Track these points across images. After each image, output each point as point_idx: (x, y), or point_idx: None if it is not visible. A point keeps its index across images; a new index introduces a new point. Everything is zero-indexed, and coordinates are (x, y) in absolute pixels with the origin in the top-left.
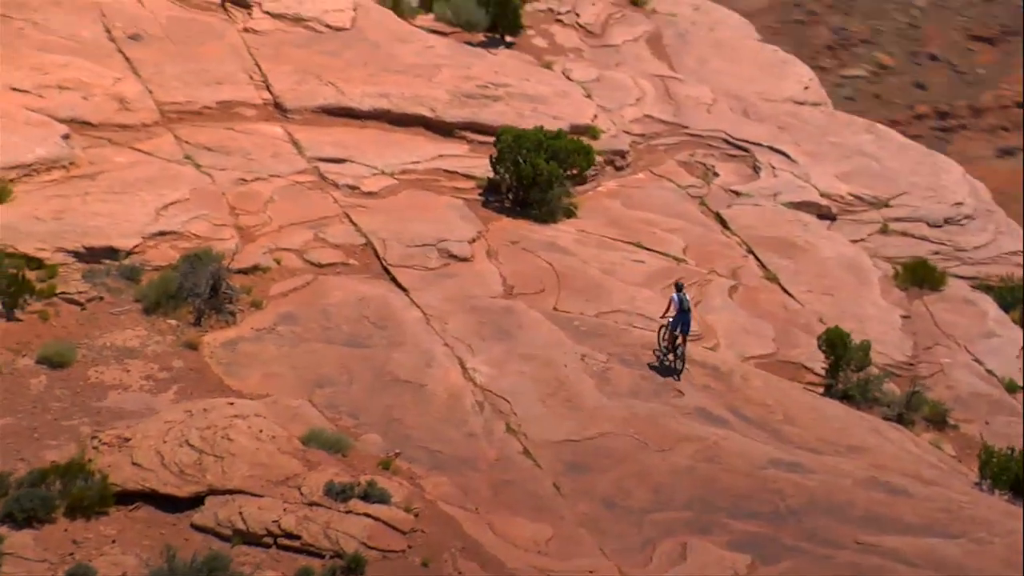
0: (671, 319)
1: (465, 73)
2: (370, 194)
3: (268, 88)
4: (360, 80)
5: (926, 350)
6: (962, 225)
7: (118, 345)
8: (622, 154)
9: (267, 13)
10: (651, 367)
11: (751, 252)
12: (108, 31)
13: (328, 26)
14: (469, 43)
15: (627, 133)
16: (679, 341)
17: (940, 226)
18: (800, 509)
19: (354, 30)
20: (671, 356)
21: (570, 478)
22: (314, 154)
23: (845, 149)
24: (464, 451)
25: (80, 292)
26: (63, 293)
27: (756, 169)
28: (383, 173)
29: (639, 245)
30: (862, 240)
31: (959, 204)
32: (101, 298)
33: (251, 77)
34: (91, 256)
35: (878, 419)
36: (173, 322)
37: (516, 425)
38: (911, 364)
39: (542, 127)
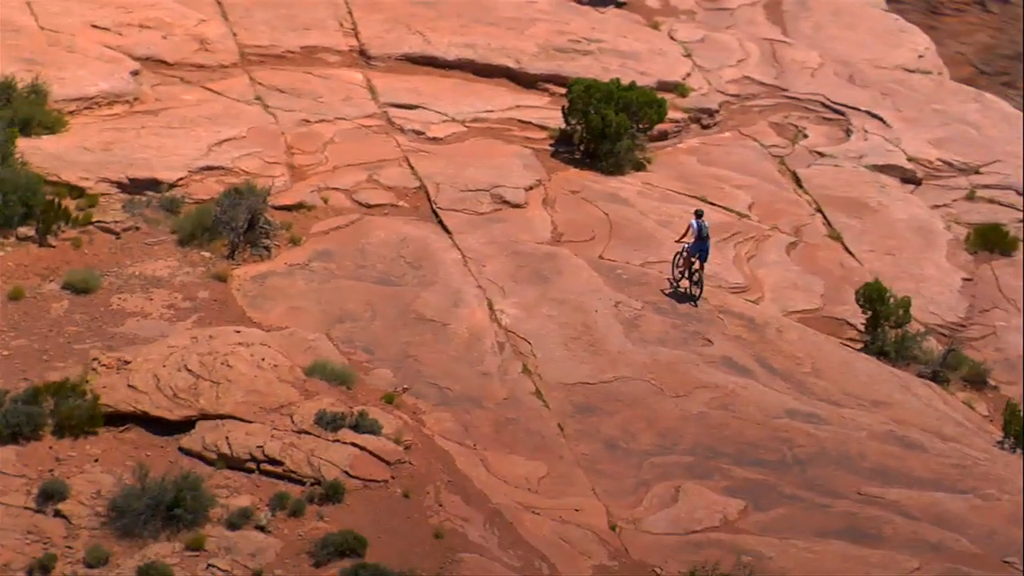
0: (688, 245)
1: (560, 28)
2: (435, 139)
3: (356, 35)
4: (449, 30)
5: (983, 312)
6: None
7: (146, 274)
8: (710, 112)
9: None
10: (666, 294)
11: (820, 211)
12: None
13: None
14: (579, 2)
15: (721, 93)
16: (696, 267)
17: None
18: (807, 459)
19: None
20: (685, 282)
21: (576, 419)
22: (387, 100)
23: (946, 116)
24: (474, 389)
25: (116, 222)
26: (99, 222)
27: (848, 132)
28: (453, 120)
29: (703, 199)
30: (945, 205)
31: None
32: (137, 228)
33: (341, 24)
34: (134, 187)
35: (911, 376)
36: (207, 254)
37: (533, 366)
38: (963, 325)
39: (617, 80)
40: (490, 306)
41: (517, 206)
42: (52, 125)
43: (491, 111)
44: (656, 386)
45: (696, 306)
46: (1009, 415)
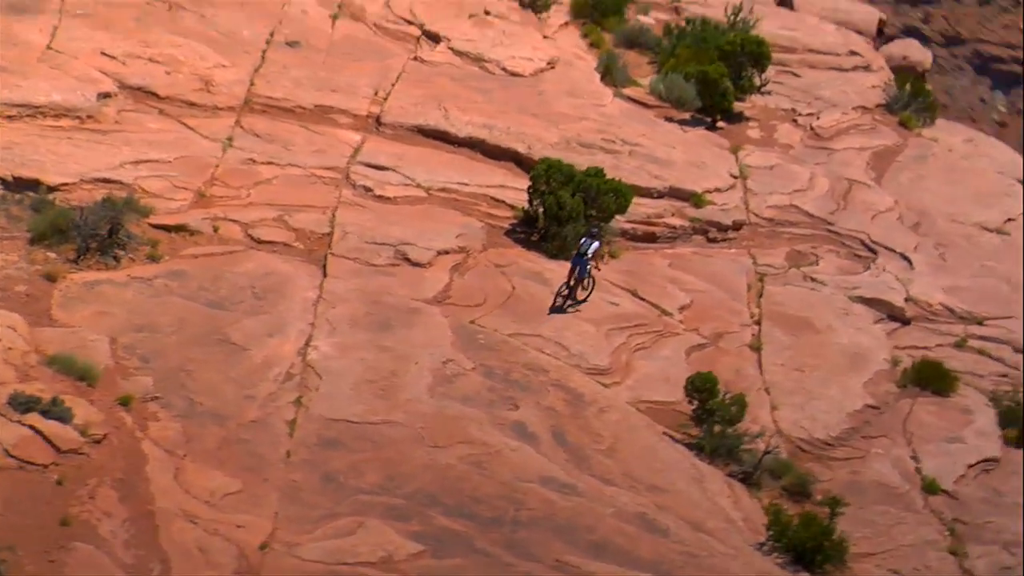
0: (581, 258)
1: (604, 128)
2: (381, 197)
3: (382, 104)
4: (478, 111)
5: (865, 438)
6: None
7: None
8: (720, 226)
9: (451, 49)
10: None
11: (758, 323)
12: (271, 35)
13: (505, 70)
14: (669, 118)
15: (754, 214)
16: (588, 279)
17: None
18: (528, 522)
19: (531, 78)
20: (569, 288)
21: (312, 451)
22: (362, 159)
23: (986, 272)
24: (226, 408)
25: None
26: None
27: (867, 268)
28: (418, 186)
29: (634, 292)
30: (925, 348)
31: None
32: None
33: (375, 93)
34: (17, 186)
35: (717, 471)
36: (52, 255)
37: (308, 399)
38: (830, 444)
39: (600, 169)
40: (308, 342)
41: (417, 265)
42: None
43: (466, 184)
44: (419, 435)
45: (576, 310)
46: (773, 516)
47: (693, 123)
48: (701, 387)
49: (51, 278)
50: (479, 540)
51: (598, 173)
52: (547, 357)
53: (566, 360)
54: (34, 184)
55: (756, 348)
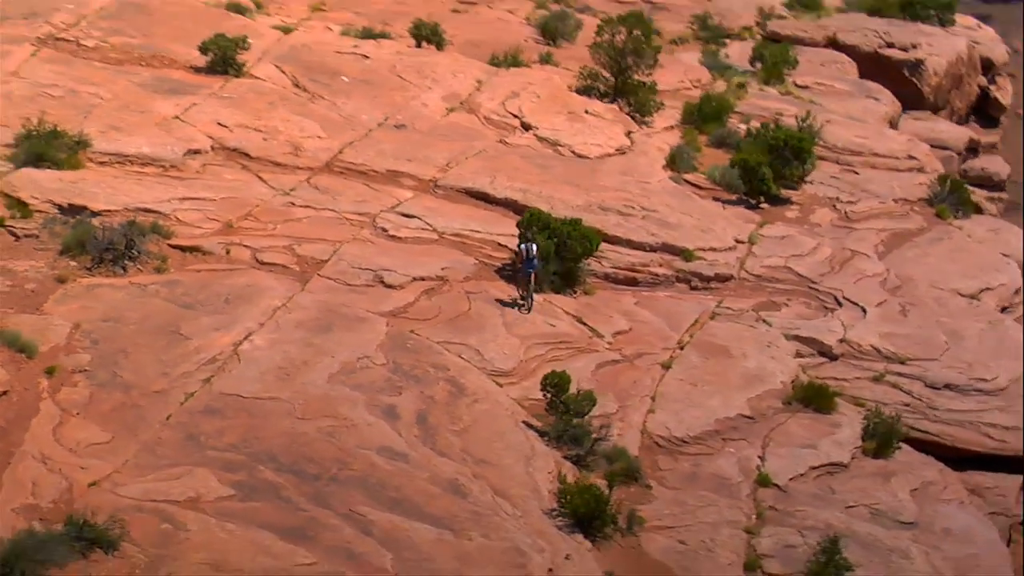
0: (521, 266)
1: (631, 197)
2: (394, 237)
3: (446, 171)
4: (525, 180)
5: (727, 440)
6: (964, 393)
7: (6, 266)
8: (701, 277)
9: (536, 135)
10: (504, 303)
11: (681, 348)
12: (384, 119)
13: (574, 152)
14: (716, 199)
15: (745, 271)
16: (529, 284)
17: (938, 388)
18: (345, 480)
19: (594, 160)
20: (521, 295)
21: (191, 416)
22: (399, 210)
23: (934, 326)
24: (141, 381)
25: (23, 228)
26: (8, 225)
27: (824, 316)
28: (433, 230)
29: (579, 319)
30: (845, 379)
31: (988, 379)
32: (36, 236)
33: (447, 164)
34: (69, 211)
35: (553, 452)
36: (73, 263)
37: (215, 379)
38: (684, 442)
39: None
40: (247, 337)
41: (390, 287)
42: (60, 163)
43: (478, 231)
44: (293, 409)
45: (528, 312)
46: (570, 494)
47: (737, 203)
48: (554, 383)
49: (61, 280)
50: (289, 491)
51: (572, 223)
52: (457, 359)
53: (475, 363)
54: (82, 210)
55: (666, 366)
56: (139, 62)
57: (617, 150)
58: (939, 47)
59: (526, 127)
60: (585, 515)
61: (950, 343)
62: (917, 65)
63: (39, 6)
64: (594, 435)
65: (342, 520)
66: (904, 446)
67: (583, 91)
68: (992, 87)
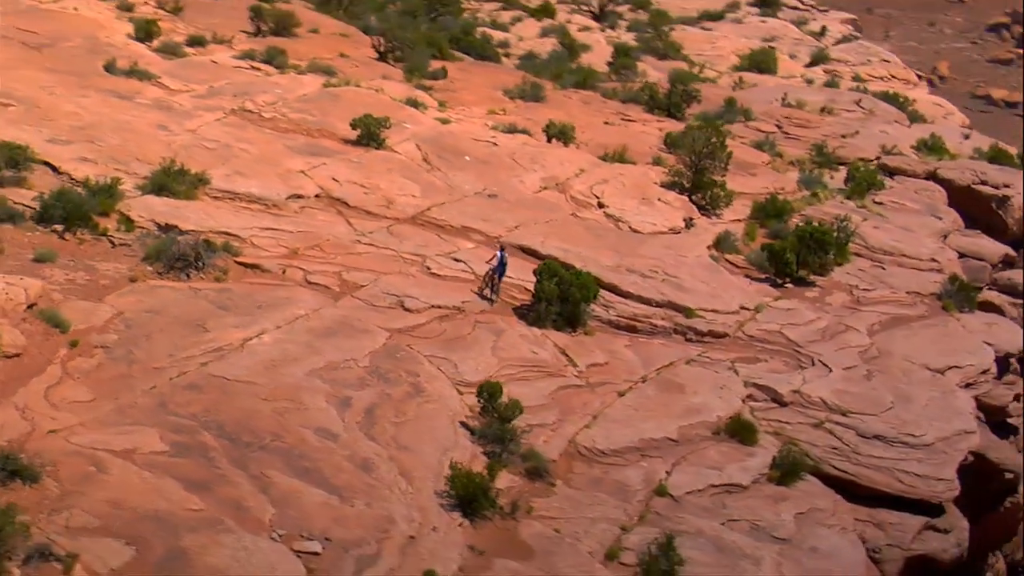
0: (493, 267)
1: (659, 264)
2: (434, 275)
3: (510, 230)
4: (573, 243)
5: (643, 456)
6: (890, 444)
7: (92, 266)
8: (696, 331)
9: (604, 212)
10: (476, 292)
11: (643, 381)
12: (483, 189)
13: (630, 228)
14: (748, 276)
15: (742, 332)
16: (496, 281)
17: (867, 438)
18: (272, 449)
19: (646, 235)
20: (487, 291)
21: (172, 388)
22: (452, 254)
23: (891, 388)
24: (146, 358)
25: (120, 239)
26: (108, 234)
27: (792, 371)
28: (472, 272)
29: (563, 351)
30: (788, 423)
31: (916, 435)
32: (129, 245)
33: (516, 226)
34: (164, 229)
35: (476, 449)
36: (149, 268)
37: (211, 364)
38: (604, 453)
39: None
40: (260, 334)
41: (408, 310)
42: (177, 194)
43: (511, 277)
44: (261, 392)
45: (492, 305)
46: (458, 480)
47: (764, 281)
48: (488, 391)
49: (133, 279)
50: (216, 452)
51: (576, 273)
52: (433, 369)
53: (447, 373)
54: (174, 228)
55: (621, 394)
56: (302, 132)
57: (670, 229)
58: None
59: (600, 206)
60: (465, 497)
61: (896, 404)
62: (1004, 200)
63: (252, 88)
64: (510, 437)
65: (248, 480)
66: (812, 479)
67: (668, 185)
68: None
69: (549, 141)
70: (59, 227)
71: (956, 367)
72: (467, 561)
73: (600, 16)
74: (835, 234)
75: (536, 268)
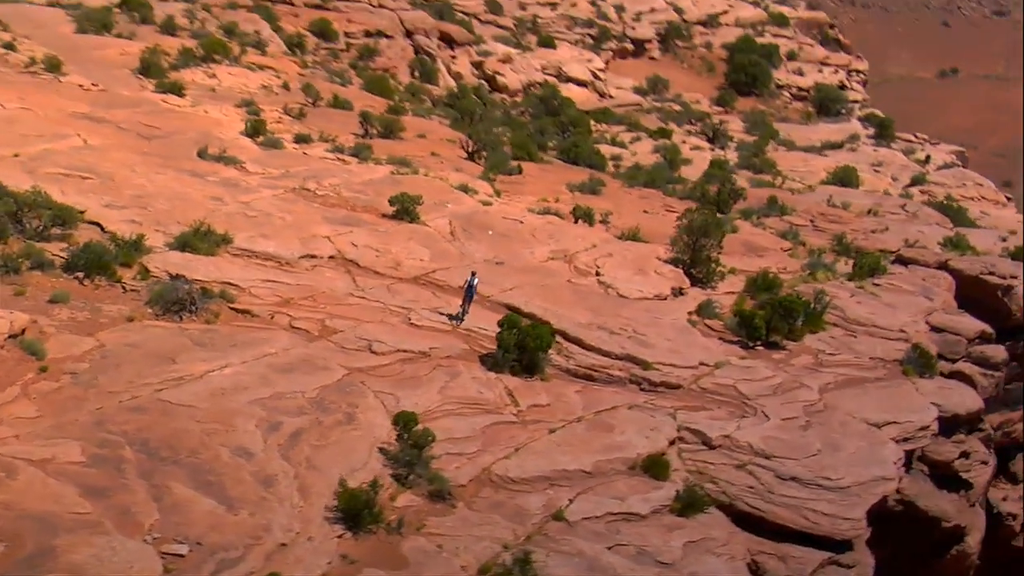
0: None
1: (631, 323)
2: (413, 325)
3: (503, 291)
4: (556, 303)
5: (553, 485)
6: (805, 485)
7: (97, 307)
8: (651, 382)
9: (598, 280)
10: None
11: (577, 421)
12: (493, 257)
13: (618, 293)
14: (721, 338)
15: (696, 384)
16: (465, 304)
17: (784, 479)
18: (184, 463)
19: (631, 300)
20: (460, 311)
21: (117, 410)
22: (437, 308)
23: (821, 438)
24: (107, 385)
25: (131, 285)
26: (121, 281)
27: (733, 419)
28: (452, 326)
29: (510, 392)
30: (714, 463)
31: (832, 479)
32: (138, 291)
33: (511, 288)
34: (175, 279)
35: (385, 471)
36: (149, 311)
37: (166, 390)
38: (514, 481)
39: (548, 326)
40: (222, 368)
41: (375, 352)
42: (199, 251)
43: (485, 329)
44: (198, 415)
45: (461, 322)
46: (343, 495)
47: (736, 343)
48: (402, 420)
49: (130, 319)
50: (129, 465)
51: (534, 326)
52: (375, 402)
53: (388, 407)
54: (182, 278)
55: (551, 431)
56: (347, 207)
57: (656, 296)
58: None
59: (597, 274)
60: (349, 512)
61: (822, 451)
62: (1009, 289)
63: (324, 173)
64: (419, 462)
65: (147, 489)
66: (716, 512)
67: (671, 261)
68: None
69: (576, 221)
70: (80, 274)
71: (895, 423)
72: (334, 569)
73: (713, 138)
74: (811, 305)
75: (501, 319)
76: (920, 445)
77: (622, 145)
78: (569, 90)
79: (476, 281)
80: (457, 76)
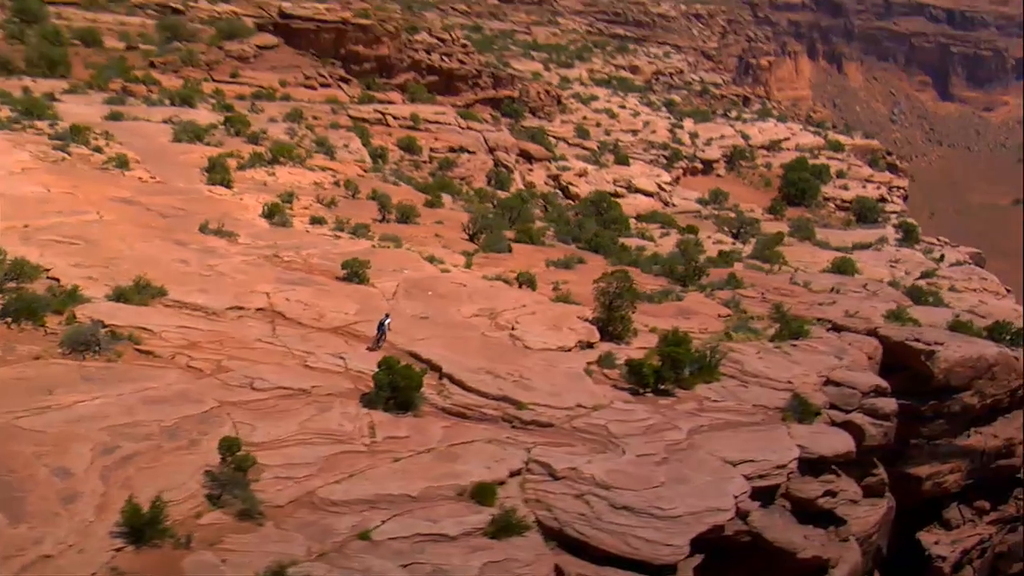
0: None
1: (519, 368)
2: (307, 366)
3: (414, 342)
4: (453, 350)
5: (372, 507)
6: (636, 515)
7: (13, 346)
8: (522, 421)
9: (510, 334)
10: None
11: (427, 451)
12: (421, 312)
13: (524, 345)
14: (614, 385)
15: (568, 423)
16: (379, 338)
17: (617, 508)
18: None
19: (535, 351)
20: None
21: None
22: (340, 354)
23: (669, 472)
24: None
25: (52, 329)
26: (46, 327)
27: (588, 454)
28: (344, 366)
29: (372, 426)
30: (551, 492)
31: (664, 508)
32: (56, 334)
33: (423, 339)
34: (95, 323)
35: (202, 491)
36: (58, 350)
37: (24, 416)
38: (335, 504)
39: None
40: (93, 399)
41: (255, 389)
42: (131, 300)
43: (375, 370)
44: (35, 438)
45: (377, 349)
46: (125, 511)
47: (627, 391)
48: (225, 444)
49: (36, 358)
50: None
51: (406, 367)
52: (225, 430)
53: (242, 435)
54: (100, 323)
55: (396, 460)
56: (305, 270)
57: (560, 348)
58: (957, 349)
59: (512, 329)
60: (132, 527)
61: (666, 483)
62: (931, 354)
63: (309, 245)
64: (236, 484)
65: None
66: (532, 536)
67: (594, 320)
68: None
69: (520, 287)
70: (9, 319)
71: (751, 461)
72: None
73: (737, 235)
74: (707, 358)
75: (381, 360)
76: (776, 482)
77: (650, 239)
78: (636, 199)
79: (388, 320)
80: (530, 185)
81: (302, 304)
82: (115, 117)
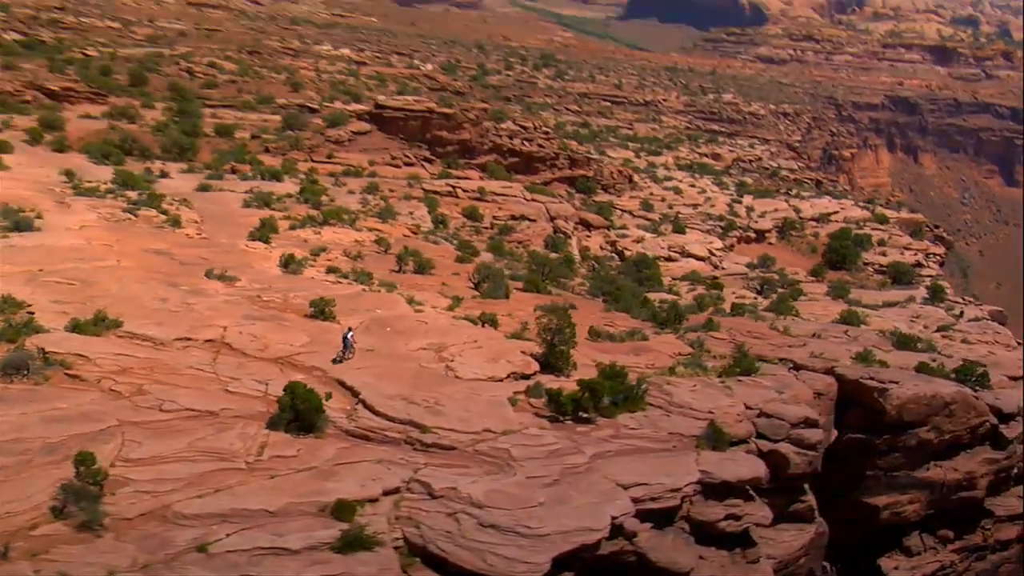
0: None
1: (437, 396)
2: (227, 391)
3: (347, 371)
4: (385, 380)
5: (224, 521)
6: (503, 533)
7: None
8: (422, 443)
9: (446, 365)
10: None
11: (308, 470)
12: (371, 347)
13: (455, 375)
14: (537, 414)
15: (473, 448)
16: (343, 351)
17: (484, 526)
18: None
19: (465, 381)
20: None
21: None
22: (268, 381)
23: (552, 494)
24: None
25: None
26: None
27: (483, 475)
28: (264, 391)
29: (263, 446)
30: (423, 511)
31: (532, 527)
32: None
33: (359, 368)
34: (41, 351)
35: (50, 502)
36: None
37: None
38: (187, 517)
39: None
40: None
41: (163, 411)
42: (84, 331)
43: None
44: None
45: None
46: None
47: (549, 418)
48: (80, 459)
49: None
50: None
51: (310, 391)
52: (110, 448)
53: (123, 453)
54: (42, 350)
55: (272, 477)
56: (278, 309)
57: (490, 378)
58: (912, 388)
59: (450, 361)
60: None
61: (545, 504)
62: (884, 391)
63: (299, 288)
64: (84, 497)
65: None
66: (383, 551)
67: (537, 357)
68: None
69: (483, 325)
70: None
71: (644, 484)
72: None
73: (760, 291)
74: (634, 388)
75: (287, 385)
76: (669, 504)
77: (676, 293)
78: (688, 263)
79: (351, 333)
80: (584, 249)
81: (252, 336)
82: (203, 188)
